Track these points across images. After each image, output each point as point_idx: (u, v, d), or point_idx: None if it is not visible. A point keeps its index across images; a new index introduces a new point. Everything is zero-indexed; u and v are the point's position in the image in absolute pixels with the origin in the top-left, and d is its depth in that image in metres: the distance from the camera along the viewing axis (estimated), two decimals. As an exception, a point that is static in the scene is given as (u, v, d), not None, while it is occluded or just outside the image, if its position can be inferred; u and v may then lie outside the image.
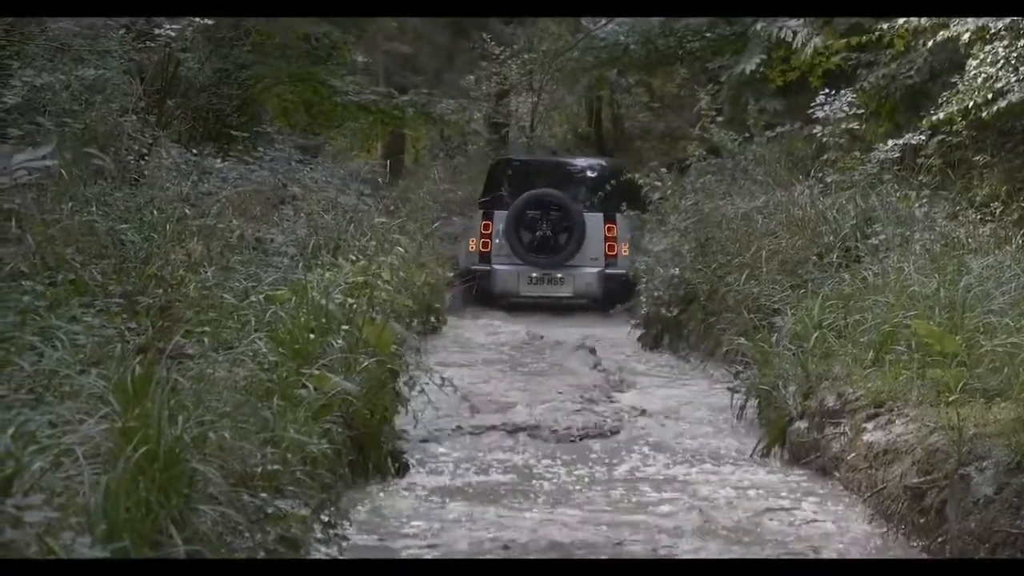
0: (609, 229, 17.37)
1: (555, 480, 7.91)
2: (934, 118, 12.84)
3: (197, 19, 12.69)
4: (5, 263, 7.30)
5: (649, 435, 9.23)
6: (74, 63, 10.68)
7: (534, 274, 17.32)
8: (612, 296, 16.75)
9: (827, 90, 14.46)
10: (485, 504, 7.23)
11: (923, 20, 13.37)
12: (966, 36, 12.73)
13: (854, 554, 6.39)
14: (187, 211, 10.02)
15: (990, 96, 12.11)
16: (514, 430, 9.22)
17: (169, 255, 8.69)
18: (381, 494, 7.43)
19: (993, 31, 12.41)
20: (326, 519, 6.26)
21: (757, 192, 13.82)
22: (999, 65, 12.18)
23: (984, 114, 12.22)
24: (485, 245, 17.55)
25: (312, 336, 7.72)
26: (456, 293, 17.53)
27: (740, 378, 9.92)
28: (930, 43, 13.66)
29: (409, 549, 6.35)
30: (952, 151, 13.42)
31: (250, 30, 16.90)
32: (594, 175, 18.46)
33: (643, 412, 10.01)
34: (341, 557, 6.01)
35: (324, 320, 8.12)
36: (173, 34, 12.49)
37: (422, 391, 8.82)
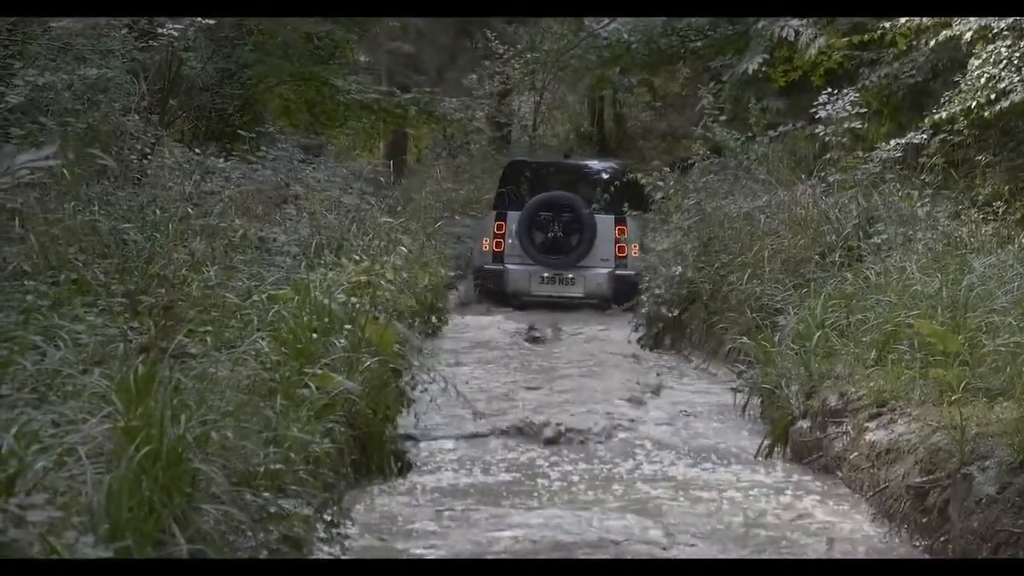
0: (620, 231, 17.62)
1: (557, 479, 7.91)
2: (936, 117, 12.84)
3: (199, 19, 12.68)
4: (8, 262, 7.32)
5: (651, 434, 9.22)
6: (77, 63, 10.68)
7: (546, 274, 17.65)
8: (622, 296, 16.85)
9: (829, 89, 14.46)
10: (487, 503, 7.23)
11: (925, 19, 13.37)
12: (968, 35, 12.73)
13: (856, 554, 6.39)
14: (190, 210, 10.03)
15: (993, 96, 12.11)
16: (516, 430, 9.21)
17: (172, 254, 8.69)
18: (384, 493, 7.43)
19: (995, 30, 12.41)
20: (329, 518, 6.26)
21: (759, 191, 13.81)
22: (1002, 65, 12.18)
23: (987, 114, 12.22)
24: (498, 245, 17.89)
25: (315, 335, 7.72)
26: (468, 290, 18.06)
27: (743, 377, 9.92)
28: (932, 42, 13.66)
29: (411, 548, 6.35)
30: (954, 150, 13.41)
31: (252, 29, 16.90)
32: (605, 177, 18.64)
33: (644, 412, 10.00)
34: (344, 557, 6.01)
35: (327, 320, 8.12)
36: (176, 34, 12.50)
37: (425, 391, 8.83)
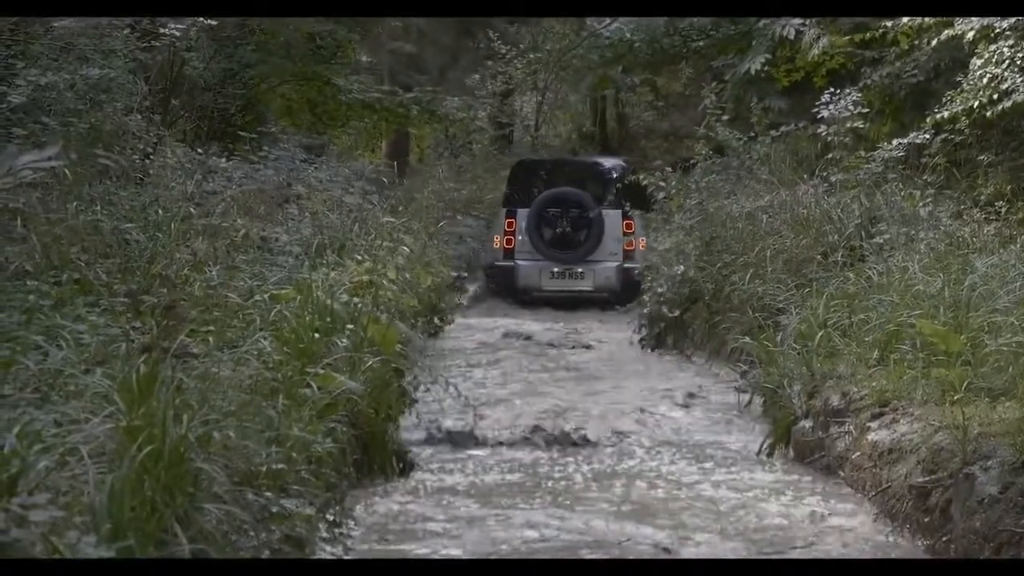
0: (627, 225, 18.04)
1: (559, 479, 7.91)
2: (938, 117, 12.84)
3: (202, 19, 12.69)
4: (10, 262, 7.32)
5: (653, 433, 9.22)
6: (79, 62, 10.69)
7: (555, 269, 18.08)
8: (630, 289, 17.02)
9: (832, 89, 14.45)
10: (489, 503, 7.23)
11: (927, 19, 13.37)
12: (970, 35, 12.72)
13: (858, 554, 6.38)
14: (192, 210, 10.04)
15: (995, 96, 12.11)
16: (518, 430, 9.21)
17: (174, 254, 8.69)
18: (386, 494, 7.43)
19: (997, 30, 12.41)
20: (331, 518, 6.27)
21: (762, 191, 13.81)
22: (1004, 65, 12.18)
23: (989, 114, 12.22)
24: (509, 242, 18.34)
25: (317, 335, 7.72)
26: (480, 288, 18.69)
27: (745, 377, 9.92)
28: (934, 42, 13.66)
29: (413, 548, 6.35)
30: (957, 150, 13.40)
31: (255, 29, 16.91)
32: (614, 175, 18.84)
33: (646, 411, 10.00)
34: (346, 556, 6.01)
35: (329, 319, 8.13)
36: (178, 34, 12.50)
37: (427, 390, 8.83)
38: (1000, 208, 11.88)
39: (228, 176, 12.67)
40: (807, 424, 8.45)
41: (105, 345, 6.19)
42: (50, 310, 6.61)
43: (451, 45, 27.82)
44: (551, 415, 9.83)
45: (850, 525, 6.87)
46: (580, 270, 18.07)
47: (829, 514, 7.08)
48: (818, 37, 17.40)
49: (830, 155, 13.80)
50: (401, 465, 7.91)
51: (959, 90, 12.76)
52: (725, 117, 16.29)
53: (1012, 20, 12.12)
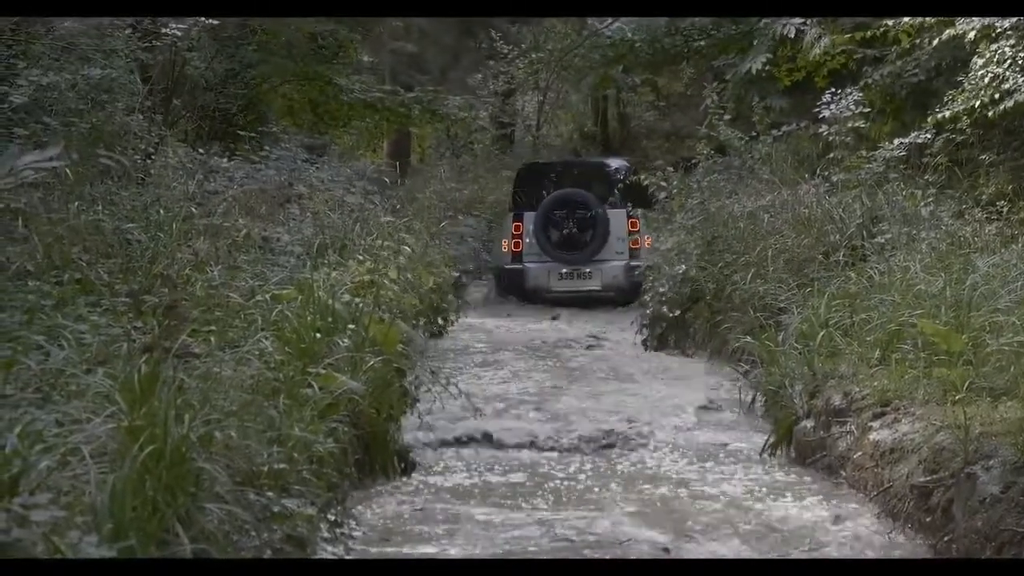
0: (632, 224, 18.20)
1: (561, 479, 7.90)
2: (939, 117, 12.83)
3: (203, 19, 12.69)
4: (12, 262, 7.32)
5: (655, 433, 9.22)
6: (80, 63, 10.70)
7: (564, 270, 18.34)
8: (637, 287, 17.08)
9: (833, 89, 14.45)
10: (491, 503, 7.23)
11: (928, 18, 13.36)
12: (971, 35, 12.72)
13: (860, 553, 6.38)
14: (193, 210, 10.04)
15: (997, 96, 12.10)
16: (519, 430, 9.22)
17: (175, 254, 8.70)
18: (387, 494, 7.42)
19: (999, 30, 12.40)
20: (332, 518, 6.27)
21: (763, 191, 13.81)
22: (1006, 65, 12.17)
23: (990, 114, 12.21)
24: (517, 245, 18.59)
25: (318, 335, 7.72)
26: (490, 289, 19.16)
27: (747, 377, 9.91)
28: (935, 41, 13.66)
29: (415, 548, 6.35)
30: (958, 150, 13.40)
31: (256, 29, 16.92)
32: (618, 175, 19.00)
33: (649, 410, 10.00)
34: (347, 556, 6.01)
35: (330, 319, 8.13)
36: (179, 34, 12.51)
37: (428, 391, 8.83)
38: (1002, 208, 11.88)
39: (230, 176, 12.68)
40: (809, 424, 8.44)
41: (107, 345, 6.19)
42: (52, 310, 6.61)
43: (453, 45, 27.84)
44: (554, 416, 9.83)
45: (851, 525, 6.87)
46: (588, 270, 18.31)
47: (830, 514, 7.07)
48: (819, 36, 17.40)
49: (831, 155, 13.80)
50: (403, 465, 7.91)
51: (960, 90, 12.75)
52: (726, 117, 16.30)
53: (1013, 20, 12.11)
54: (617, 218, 18.25)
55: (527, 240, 18.47)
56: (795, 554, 6.31)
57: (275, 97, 19.46)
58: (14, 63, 10.19)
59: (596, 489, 7.66)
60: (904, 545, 6.47)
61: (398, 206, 15.97)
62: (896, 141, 13.43)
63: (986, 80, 12.29)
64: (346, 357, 7.66)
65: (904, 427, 7.26)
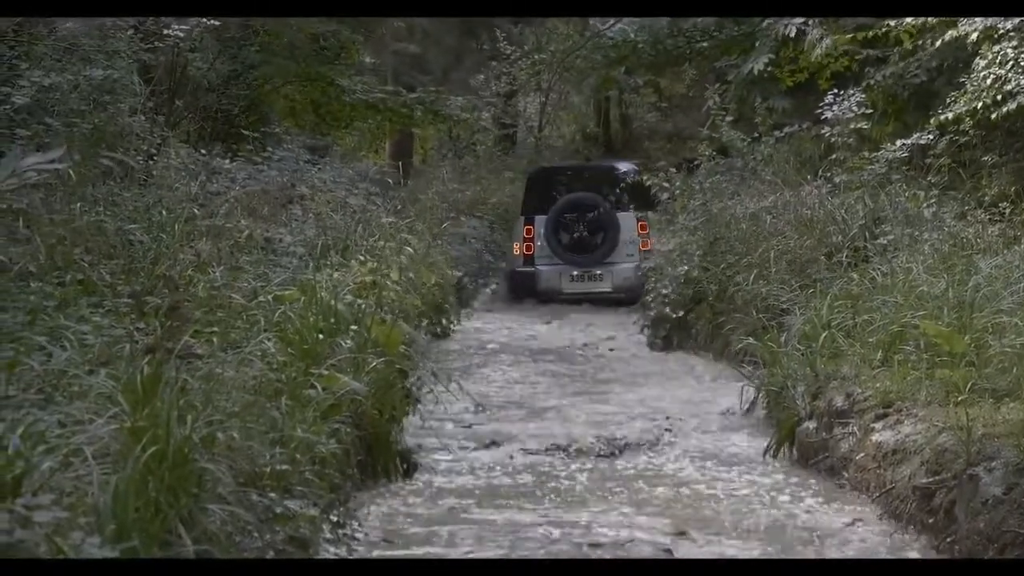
0: (641, 226, 18.45)
1: (563, 479, 7.90)
2: (942, 118, 12.83)
3: (205, 19, 12.69)
4: (14, 263, 7.31)
5: (657, 434, 9.21)
6: (82, 63, 10.69)
7: (575, 272, 18.59)
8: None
9: (835, 90, 14.45)
10: (493, 504, 7.23)
11: (931, 18, 13.36)
12: (974, 36, 12.72)
13: (861, 554, 6.38)
14: (196, 211, 10.04)
15: (999, 97, 12.10)
16: (522, 431, 9.22)
17: (178, 255, 8.69)
18: (390, 495, 7.42)
19: (1001, 31, 12.40)
20: (335, 519, 6.27)
21: (766, 192, 13.82)
22: (1008, 66, 12.17)
23: (993, 115, 12.21)
24: (528, 248, 18.86)
25: (321, 336, 7.72)
26: (502, 290, 19.47)
27: (749, 378, 9.91)
28: (938, 42, 13.65)
29: (417, 549, 6.35)
30: (961, 151, 13.40)
31: (258, 30, 16.92)
32: (627, 178, 19.15)
33: (651, 411, 10.01)
34: (350, 557, 6.01)
35: (333, 320, 8.13)
36: (182, 34, 12.50)
37: (431, 391, 8.83)
38: (1004, 209, 11.87)
39: (232, 177, 12.68)
40: (811, 425, 8.44)
41: (109, 346, 6.19)
42: (54, 311, 6.61)
43: (455, 46, 27.83)
44: (556, 417, 9.84)
45: (853, 526, 6.87)
46: (599, 272, 18.54)
47: (832, 515, 7.07)
48: (821, 37, 17.40)
49: (834, 156, 13.80)
50: (405, 466, 7.91)
51: (963, 91, 12.75)
52: (729, 118, 16.30)
53: (1016, 21, 12.11)
54: (627, 221, 18.46)
55: (538, 243, 18.71)
56: (797, 555, 6.31)
57: (277, 98, 19.46)
58: (16, 64, 10.18)
59: (598, 489, 7.66)
60: (906, 546, 6.47)
61: (400, 207, 15.98)
62: (898, 142, 13.42)
63: (988, 81, 12.29)
64: (348, 358, 7.66)
65: (906, 428, 7.26)
